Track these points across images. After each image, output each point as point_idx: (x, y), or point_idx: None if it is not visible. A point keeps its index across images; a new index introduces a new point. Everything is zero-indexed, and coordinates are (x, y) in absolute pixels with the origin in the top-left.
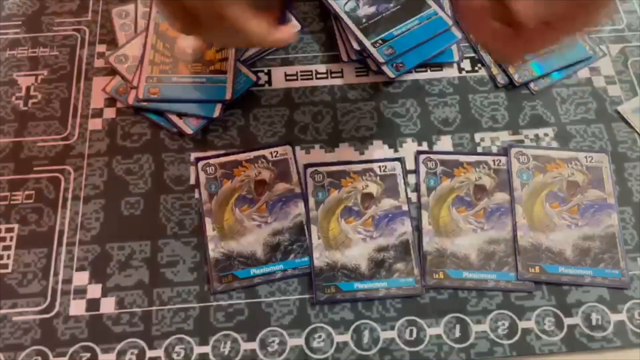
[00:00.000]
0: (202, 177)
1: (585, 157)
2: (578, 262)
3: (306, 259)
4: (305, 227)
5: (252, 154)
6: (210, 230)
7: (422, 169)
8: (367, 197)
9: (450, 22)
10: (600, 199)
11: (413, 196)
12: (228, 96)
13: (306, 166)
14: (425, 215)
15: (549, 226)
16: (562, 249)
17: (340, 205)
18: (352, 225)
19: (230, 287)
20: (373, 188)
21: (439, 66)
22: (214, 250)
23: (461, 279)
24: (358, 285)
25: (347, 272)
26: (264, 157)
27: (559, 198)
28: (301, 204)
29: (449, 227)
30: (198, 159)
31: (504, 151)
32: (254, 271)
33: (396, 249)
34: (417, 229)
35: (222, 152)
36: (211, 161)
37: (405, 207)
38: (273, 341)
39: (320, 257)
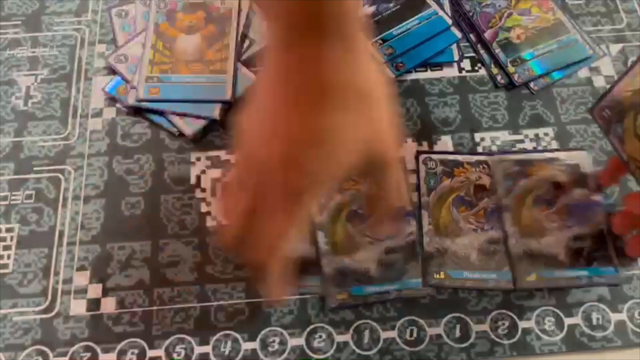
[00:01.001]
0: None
1: (566, 156)
2: (572, 264)
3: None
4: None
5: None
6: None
7: (422, 169)
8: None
9: (450, 21)
10: (585, 197)
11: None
12: (228, 96)
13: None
14: (425, 215)
15: (540, 231)
16: (556, 252)
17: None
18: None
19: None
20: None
21: (439, 66)
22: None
23: (462, 279)
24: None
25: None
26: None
27: (546, 201)
28: None
29: (449, 227)
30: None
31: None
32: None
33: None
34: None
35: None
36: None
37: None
38: (274, 341)
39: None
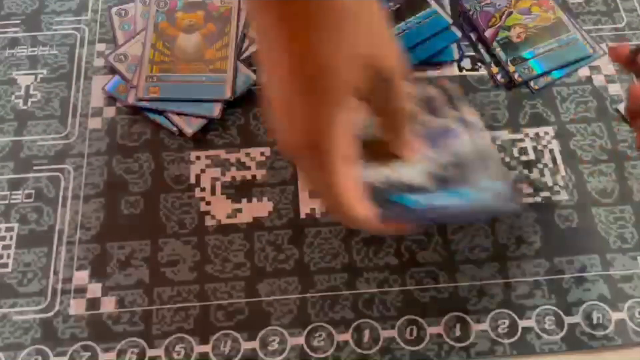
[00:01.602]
0: None
1: None
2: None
3: None
4: None
5: None
6: None
7: None
8: None
9: (450, 20)
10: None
11: None
12: (227, 95)
13: None
14: None
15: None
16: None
17: None
18: None
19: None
20: None
21: (439, 65)
22: None
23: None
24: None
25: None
26: None
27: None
28: None
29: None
30: None
31: None
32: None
33: None
34: None
35: None
36: None
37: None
38: (273, 340)
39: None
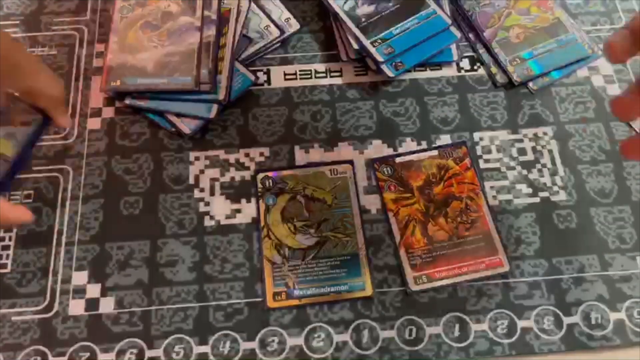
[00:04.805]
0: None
1: None
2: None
3: None
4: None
5: None
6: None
7: None
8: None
9: (449, 21)
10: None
11: None
12: (221, 97)
13: None
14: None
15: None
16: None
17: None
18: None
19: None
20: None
21: (438, 65)
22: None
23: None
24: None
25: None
26: None
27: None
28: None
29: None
30: None
31: None
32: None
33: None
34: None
35: None
36: None
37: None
38: (272, 340)
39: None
